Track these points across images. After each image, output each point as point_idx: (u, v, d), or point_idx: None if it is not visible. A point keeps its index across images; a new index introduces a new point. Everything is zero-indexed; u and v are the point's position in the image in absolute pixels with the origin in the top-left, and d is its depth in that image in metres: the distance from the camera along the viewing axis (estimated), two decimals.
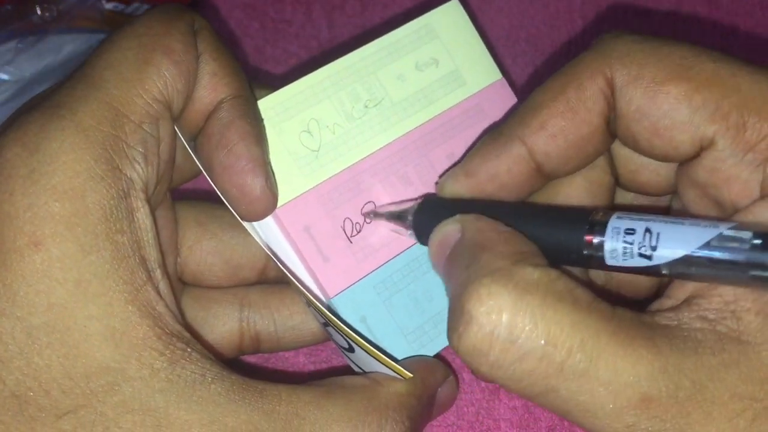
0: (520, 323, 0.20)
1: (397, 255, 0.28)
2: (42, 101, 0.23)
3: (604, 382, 0.20)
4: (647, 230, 0.21)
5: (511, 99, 0.30)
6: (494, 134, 0.26)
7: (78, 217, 0.22)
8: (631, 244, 0.21)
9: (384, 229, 0.28)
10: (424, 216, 0.26)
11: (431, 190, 0.29)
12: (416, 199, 0.27)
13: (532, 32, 0.42)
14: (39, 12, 0.39)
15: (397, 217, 0.27)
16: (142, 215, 0.23)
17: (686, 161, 0.23)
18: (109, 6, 0.42)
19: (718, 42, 0.40)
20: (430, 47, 0.30)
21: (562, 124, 0.24)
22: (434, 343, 0.28)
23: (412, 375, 0.25)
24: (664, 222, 0.21)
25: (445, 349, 0.29)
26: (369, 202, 0.28)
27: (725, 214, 0.23)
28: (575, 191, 0.26)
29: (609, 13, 0.42)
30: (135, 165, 0.23)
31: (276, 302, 0.29)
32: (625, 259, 0.21)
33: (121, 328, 0.22)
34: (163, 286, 0.23)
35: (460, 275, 0.22)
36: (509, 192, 0.25)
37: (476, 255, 0.22)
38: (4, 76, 0.37)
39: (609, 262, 0.22)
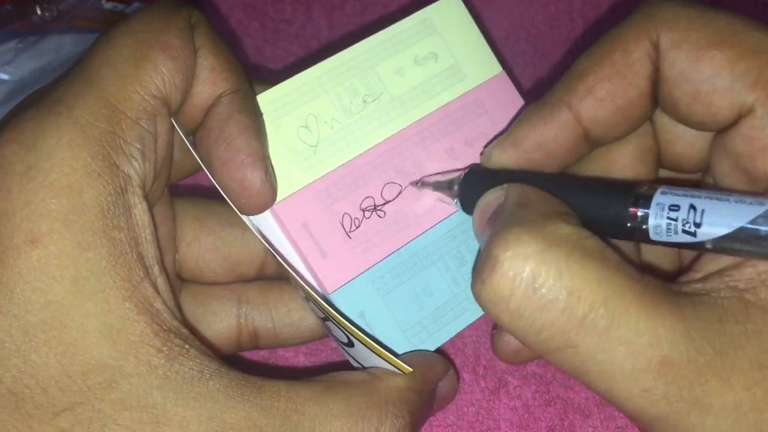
0: (544, 272, 0.20)
1: (397, 250, 0.28)
2: (39, 98, 0.23)
3: (625, 341, 0.20)
4: (692, 207, 0.21)
5: (512, 93, 0.30)
6: (539, 103, 0.26)
7: (75, 214, 0.21)
8: (675, 220, 0.21)
9: (384, 224, 0.28)
10: (470, 186, 0.27)
11: None
12: (463, 169, 0.28)
13: (532, 32, 0.42)
14: (39, 12, 0.39)
15: (445, 186, 0.27)
16: (140, 212, 0.23)
17: (723, 130, 0.23)
18: (109, 6, 0.42)
19: None
20: (428, 42, 0.29)
21: (609, 88, 0.24)
22: (434, 338, 0.27)
23: (411, 369, 0.24)
24: (709, 198, 0.21)
25: (445, 344, 0.29)
26: (368, 197, 0.28)
27: (757, 187, 0.23)
28: (622, 158, 0.26)
29: (609, 13, 0.42)
30: (132, 161, 0.23)
31: (274, 298, 0.29)
32: (669, 235, 0.22)
33: (118, 325, 0.22)
34: (161, 282, 0.23)
35: (494, 228, 0.22)
36: (556, 160, 0.26)
37: (514, 211, 0.22)
38: (4, 76, 0.37)
39: (653, 237, 0.22)
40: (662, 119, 0.26)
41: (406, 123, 0.29)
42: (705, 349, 0.20)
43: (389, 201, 0.28)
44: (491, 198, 0.24)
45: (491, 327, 0.31)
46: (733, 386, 0.20)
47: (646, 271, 0.22)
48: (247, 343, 0.29)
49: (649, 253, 0.27)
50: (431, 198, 0.28)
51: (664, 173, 0.28)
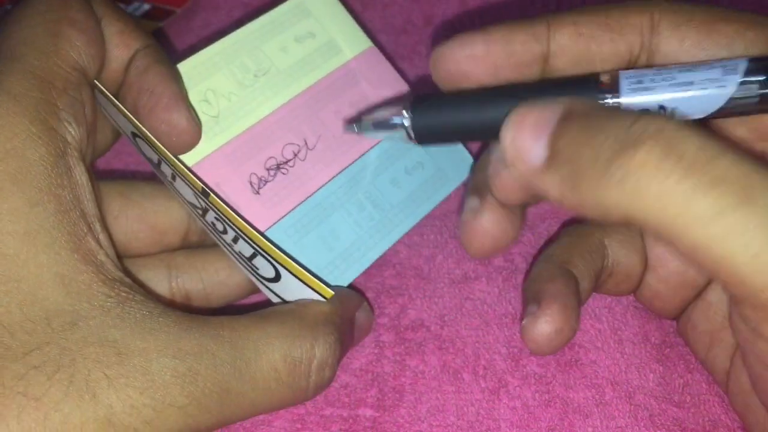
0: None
1: (303, 202, 0.31)
2: None
3: None
4: (661, 107, 0.23)
5: (384, 63, 0.34)
6: (525, 18, 0.26)
7: (22, 173, 0.23)
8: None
9: (288, 179, 0.31)
10: (424, 114, 0.27)
11: (326, 142, 0.32)
12: (399, 101, 0.28)
13: None
14: None
15: (387, 124, 0.28)
16: (79, 172, 0.25)
17: None
18: None
19: None
20: (305, 23, 0.33)
21: (592, 30, 0.25)
22: (345, 275, 0.31)
23: (333, 293, 0.27)
24: (675, 90, 0.23)
25: (445, 344, 0.31)
26: (271, 157, 0.31)
27: None
28: None
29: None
30: (67, 126, 0.25)
31: (201, 262, 0.31)
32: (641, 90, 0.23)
33: (69, 274, 0.23)
34: (103, 238, 0.25)
35: (624, 120, 0.20)
36: (510, 70, 0.26)
37: (611, 115, 0.21)
38: None
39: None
40: None
41: (296, 92, 0.32)
42: None
43: (290, 160, 0.31)
44: (544, 111, 0.22)
45: (492, 328, 0.32)
46: None
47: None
48: (181, 307, 0.31)
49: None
50: (337, 150, 0.31)
51: None
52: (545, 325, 0.26)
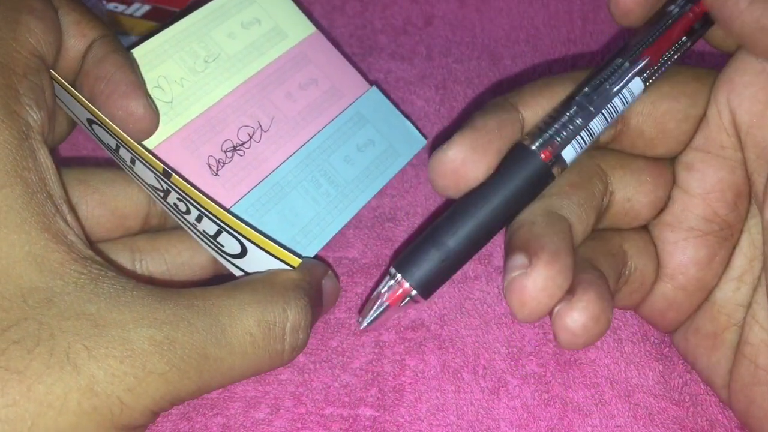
0: None
1: (261, 181, 0.31)
2: None
3: None
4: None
5: (327, 46, 0.35)
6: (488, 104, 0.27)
7: None
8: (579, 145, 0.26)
9: (245, 161, 0.31)
10: (413, 271, 0.26)
11: (279, 124, 0.33)
12: (386, 276, 0.27)
13: (532, 32, 0.42)
14: None
15: (377, 303, 0.27)
16: (43, 156, 0.25)
17: None
18: (109, 6, 0.42)
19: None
20: (250, 10, 0.34)
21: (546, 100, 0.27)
22: (308, 249, 0.31)
23: (300, 260, 0.28)
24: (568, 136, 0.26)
25: (444, 344, 0.31)
26: (227, 140, 0.31)
27: None
28: None
29: (609, 14, 0.42)
30: (29, 110, 0.25)
31: (164, 244, 0.31)
32: (579, 152, 0.26)
33: (41, 253, 0.23)
34: (70, 219, 0.25)
35: None
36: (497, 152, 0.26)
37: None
38: None
39: (569, 162, 0.27)
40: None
41: (247, 76, 0.33)
42: None
43: (246, 142, 0.32)
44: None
45: (492, 327, 0.32)
46: None
47: None
48: None
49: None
50: (291, 131, 0.32)
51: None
52: (584, 311, 0.24)
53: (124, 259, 0.30)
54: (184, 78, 0.31)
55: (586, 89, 0.26)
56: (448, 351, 0.32)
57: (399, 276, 0.26)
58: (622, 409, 0.30)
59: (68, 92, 0.27)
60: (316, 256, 0.32)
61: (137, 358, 0.23)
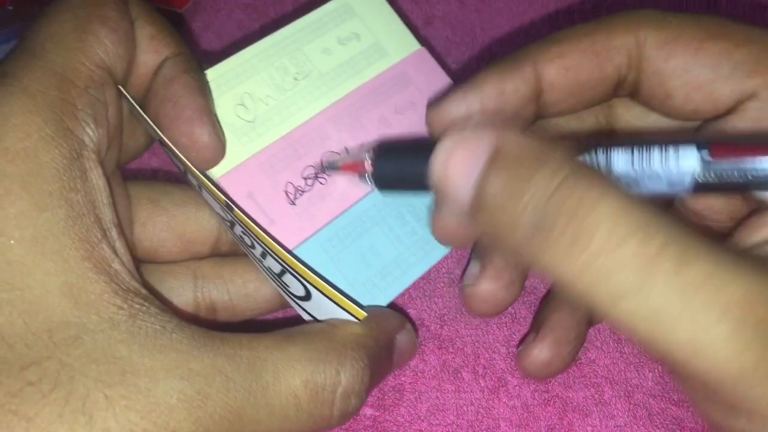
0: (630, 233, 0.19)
1: (341, 214, 0.29)
2: None
3: (701, 282, 0.18)
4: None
5: (434, 66, 0.32)
6: (506, 57, 0.26)
7: (32, 176, 0.22)
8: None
9: (326, 190, 0.29)
10: (384, 161, 0.27)
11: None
12: (369, 145, 0.28)
13: (532, 32, 0.42)
14: None
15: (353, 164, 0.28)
16: (95, 176, 0.23)
17: (715, 117, 0.24)
18: None
19: None
20: (349, 24, 0.31)
21: (579, 60, 0.25)
22: (385, 294, 0.28)
23: (366, 314, 0.25)
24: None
25: (444, 343, 0.30)
26: (308, 166, 0.29)
27: None
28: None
29: (608, 14, 0.43)
30: (85, 127, 0.23)
31: (229, 272, 0.29)
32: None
33: (78, 283, 0.22)
34: (119, 245, 0.24)
35: (547, 185, 0.19)
36: (505, 115, 0.26)
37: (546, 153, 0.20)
38: None
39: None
40: (624, 114, 0.27)
41: (338, 96, 0.30)
42: None
43: None
44: (474, 145, 0.21)
45: (491, 327, 0.32)
46: None
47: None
48: (206, 318, 0.29)
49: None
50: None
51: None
52: (537, 354, 0.28)
53: (185, 283, 0.28)
54: (270, 96, 0.29)
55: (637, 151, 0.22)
56: (447, 351, 0.32)
57: (369, 156, 0.27)
58: (622, 409, 0.30)
59: (134, 110, 0.26)
60: (392, 303, 0.29)
61: (161, 414, 0.21)
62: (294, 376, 0.23)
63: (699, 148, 0.21)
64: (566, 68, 0.25)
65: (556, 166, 0.20)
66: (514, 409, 0.30)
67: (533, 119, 0.27)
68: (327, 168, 0.28)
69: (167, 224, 0.28)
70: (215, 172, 0.27)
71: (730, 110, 0.24)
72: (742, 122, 0.24)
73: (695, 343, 0.18)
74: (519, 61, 0.26)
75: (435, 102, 0.26)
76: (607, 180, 0.19)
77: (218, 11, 0.43)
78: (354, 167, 0.27)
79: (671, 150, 0.21)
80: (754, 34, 0.24)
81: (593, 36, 0.25)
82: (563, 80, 0.25)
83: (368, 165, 0.27)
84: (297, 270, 0.25)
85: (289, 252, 0.26)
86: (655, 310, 0.18)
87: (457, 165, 0.21)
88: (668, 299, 0.18)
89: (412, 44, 0.32)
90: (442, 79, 0.32)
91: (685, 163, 0.21)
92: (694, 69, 0.24)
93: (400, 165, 0.26)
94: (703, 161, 0.21)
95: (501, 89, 0.26)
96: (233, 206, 0.25)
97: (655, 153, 0.22)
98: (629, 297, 0.18)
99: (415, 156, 0.25)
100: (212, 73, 0.28)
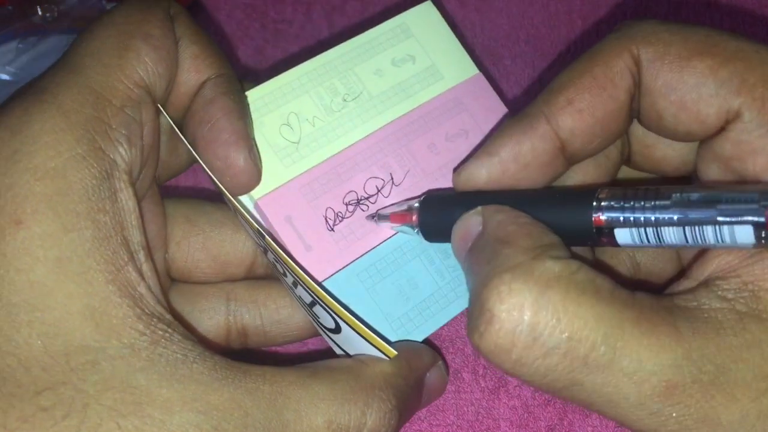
0: (542, 320, 0.20)
1: (381, 243, 0.28)
2: (25, 89, 0.24)
3: (629, 373, 0.20)
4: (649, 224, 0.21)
5: (489, 92, 0.31)
6: (518, 115, 0.25)
7: (59, 195, 0.22)
8: (639, 237, 0.21)
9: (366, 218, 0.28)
10: (430, 213, 0.26)
11: (413, 179, 0.29)
12: (418, 197, 0.27)
13: (531, 32, 0.42)
14: (40, 12, 0.39)
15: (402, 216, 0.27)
16: (126, 197, 0.23)
17: (709, 137, 0.24)
18: (109, 6, 0.42)
19: None
20: (405, 45, 0.30)
21: (589, 100, 0.24)
22: (419, 330, 0.27)
23: (396, 353, 0.24)
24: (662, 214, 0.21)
25: (445, 344, 0.29)
26: (351, 191, 0.28)
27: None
28: (584, 166, 0.27)
29: (608, 14, 0.42)
30: (118, 147, 0.23)
31: (263, 296, 0.28)
32: (637, 243, 0.22)
33: (100, 307, 0.21)
34: (146, 268, 0.23)
35: (481, 271, 0.21)
36: (532, 174, 0.25)
37: (497, 250, 0.22)
38: (5, 77, 0.37)
39: (621, 243, 0.22)
40: (638, 129, 0.26)
41: (387, 120, 0.29)
42: (707, 368, 0.20)
43: (372, 195, 0.28)
44: (468, 225, 0.24)
45: None
46: (739, 399, 0.20)
47: (635, 286, 0.22)
48: (236, 341, 0.29)
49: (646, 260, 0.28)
50: (425, 188, 0.29)
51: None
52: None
53: (218, 305, 0.28)
54: (317, 117, 0.28)
55: (697, 194, 0.20)
56: (447, 351, 0.31)
57: (416, 205, 0.27)
58: None
59: (173, 130, 0.25)
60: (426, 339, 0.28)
61: None
62: (317, 416, 0.22)
63: (755, 227, 0.19)
64: (579, 111, 0.24)
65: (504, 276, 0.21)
66: (514, 409, 0.30)
67: (566, 168, 0.26)
68: (377, 219, 0.28)
69: (203, 245, 0.28)
70: (254, 193, 0.27)
71: (720, 130, 0.23)
72: (728, 143, 0.23)
73: None
74: (531, 119, 0.25)
75: (458, 166, 0.26)
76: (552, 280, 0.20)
77: (218, 11, 0.43)
78: (403, 218, 0.27)
79: (726, 230, 0.20)
80: (742, 48, 0.23)
81: (592, 70, 0.24)
82: (581, 124, 0.24)
83: (415, 217, 0.27)
84: (326, 303, 0.24)
85: (319, 284, 0.25)
86: None
87: (458, 239, 0.24)
88: None
89: (469, 69, 0.31)
90: (498, 107, 0.31)
91: (741, 239, 0.20)
92: (679, 88, 0.23)
93: (443, 218, 0.25)
94: (758, 238, 0.19)
95: (518, 151, 0.25)
96: (265, 234, 0.24)
97: (709, 232, 0.20)
98: None
99: (457, 210, 0.25)
100: (259, 92, 0.28)
